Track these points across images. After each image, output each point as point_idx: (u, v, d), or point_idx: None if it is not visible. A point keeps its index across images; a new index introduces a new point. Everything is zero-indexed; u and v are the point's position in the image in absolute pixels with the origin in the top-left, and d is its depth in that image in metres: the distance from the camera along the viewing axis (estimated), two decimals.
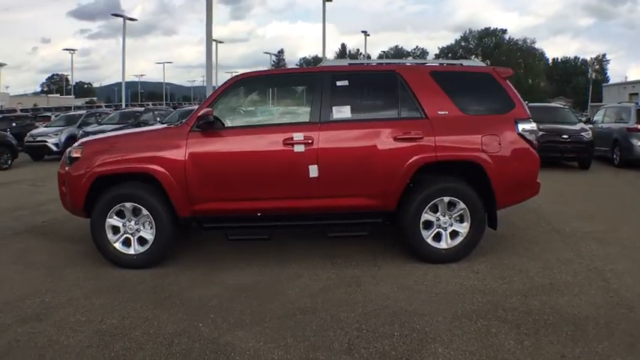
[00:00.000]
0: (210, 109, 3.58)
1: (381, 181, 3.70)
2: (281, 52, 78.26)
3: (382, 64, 4.06)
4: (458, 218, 3.86)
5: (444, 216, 3.84)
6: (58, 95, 58.52)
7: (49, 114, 22.40)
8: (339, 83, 3.78)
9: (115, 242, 3.72)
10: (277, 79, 4.12)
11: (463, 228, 3.85)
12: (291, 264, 3.85)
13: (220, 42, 39.94)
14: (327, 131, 3.68)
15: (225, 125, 3.76)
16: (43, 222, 5.19)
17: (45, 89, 72.03)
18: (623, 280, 3.46)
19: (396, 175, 3.68)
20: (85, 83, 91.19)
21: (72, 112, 18.11)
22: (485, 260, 3.92)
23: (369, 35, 36.62)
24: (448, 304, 3.05)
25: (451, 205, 3.84)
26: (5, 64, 42.53)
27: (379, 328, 2.71)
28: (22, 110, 26.60)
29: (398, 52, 72.74)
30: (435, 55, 70.76)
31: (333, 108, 3.73)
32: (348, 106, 3.76)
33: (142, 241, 3.75)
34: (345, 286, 3.39)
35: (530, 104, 11.79)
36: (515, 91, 4.05)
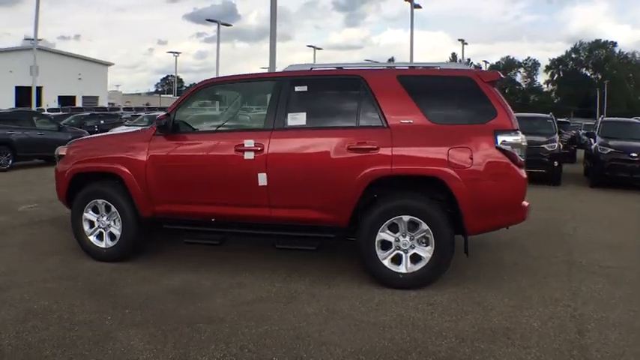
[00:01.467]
0: (163, 114, 3.87)
1: (331, 194, 3.61)
2: (391, 59, 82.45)
3: (350, 68, 3.92)
4: (423, 241, 3.57)
5: (404, 237, 3.58)
6: (171, 96, 65.71)
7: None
8: (297, 89, 3.78)
9: (90, 235, 4.20)
10: (240, 85, 4.24)
11: (427, 252, 3.55)
12: (245, 273, 3.93)
13: (319, 49, 41.84)
14: (277, 139, 3.70)
15: (187, 130, 4.02)
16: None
17: (159, 89, 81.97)
18: (604, 334, 2.88)
19: (347, 187, 3.54)
20: None
21: (156, 113, 20.40)
22: (454, 291, 3.56)
23: (467, 44, 36.60)
24: (364, 337, 2.85)
25: (413, 226, 3.56)
26: (113, 64, 48.97)
27: (262, 350, 2.67)
28: (126, 109, 30.73)
29: (509, 63, 72.78)
30: (546, 66, 69.89)
31: (289, 114, 3.74)
32: (304, 113, 3.74)
33: (112, 236, 4.17)
34: (274, 302, 3.37)
35: (605, 119, 10.35)
36: (502, 98, 3.61)
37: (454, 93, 3.69)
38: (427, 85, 3.69)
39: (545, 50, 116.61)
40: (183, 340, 2.77)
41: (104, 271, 3.95)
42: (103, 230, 4.19)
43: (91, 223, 4.21)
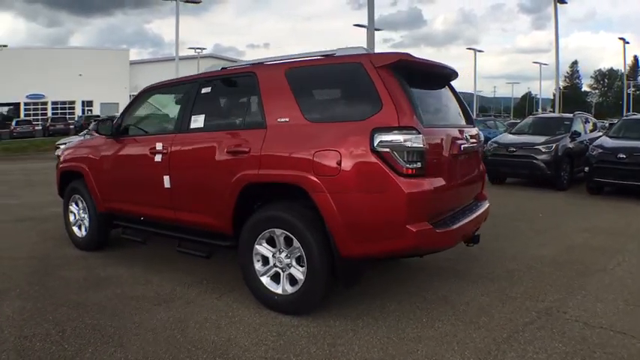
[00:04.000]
0: (98, 120, 4.41)
1: (213, 199, 3.68)
2: (575, 63, 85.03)
3: (255, 64, 3.75)
4: (304, 260, 3.24)
5: (280, 253, 3.35)
6: None
7: None
8: (203, 90, 3.88)
9: (73, 225, 5.09)
10: (172, 89, 4.47)
11: (302, 273, 3.22)
12: (169, 272, 4.26)
13: (480, 51, 41.19)
14: (178, 141, 3.89)
15: (131, 133, 4.51)
16: None
17: None
18: None
19: (224, 192, 3.53)
20: None
21: None
22: (333, 325, 3.21)
23: (628, 43, 32.69)
24: (160, 350, 2.86)
25: (290, 241, 3.27)
26: None
27: (72, 337, 2.98)
28: None
29: None
30: None
31: (192, 117, 3.86)
32: (203, 115, 3.83)
33: (85, 227, 4.94)
34: (148, 302, 3.61)
35: None
36: (398, 86, 3.03)
37: (339, 84, 3.30)
38: (312, 78, 3.39)
39: None
40: (35, 315, 3.31)
41: (68, 256, 4.83)
42: (81, 222, 4.97)
43: (74, 215, 5.04)
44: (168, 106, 4.41)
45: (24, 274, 4.18)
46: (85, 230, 5.00)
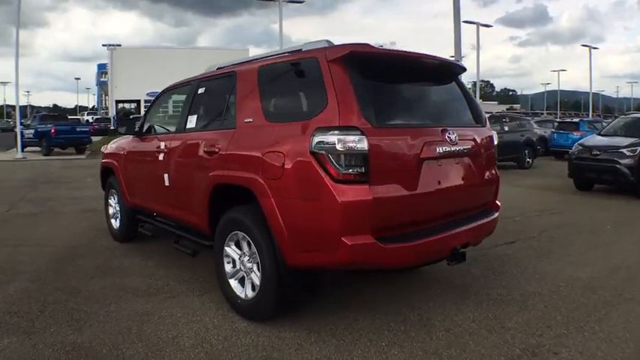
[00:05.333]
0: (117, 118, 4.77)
1: (193, 198, 3.76)
2: None
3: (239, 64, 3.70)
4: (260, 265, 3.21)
5: (244, 256, 3.35)
6: (480, 100, 66.82)
7: None
8: (199, 91, 4.00)
9: (111, 218, 5.62)
10: (184, 89, 4.56)
11: (259, 279, 3.16)
12: (174, 268, 4.46)
13: (595, 48, 41.39)
14: (175, 141, 4.06)
15: (151, 132, 4.78)
16: None
17: None
18: None
19: (199, 192, 3.59)
20: (509, 90, 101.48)
21: None
22: (278, 335, 3.10)
23: None
24: (109, 339, 3.00)
25: (251, 245, 3.23)
26: None
27: (43, 316, 3.30)
28: None
29: None
30: None
31: (188, 117, 4.01)
32: (195, 116, 3.92)
33: (120, 220, 5.41)
34: (136, 294, 3.79)
35: None
36: (346, 80, 2.78)
37: (297, 80, 3.17)
38: (275, 75, 3.30)
39: None
40: (31, 296, 3.69)
41: (99, 246, 5.31)
42: (117, 215, 5.46)
43: (112, 208, 5.55)
44: (179, 105, 4.60)
45: (48, 260, 4.69)
46: (120, 222, 5.47)
